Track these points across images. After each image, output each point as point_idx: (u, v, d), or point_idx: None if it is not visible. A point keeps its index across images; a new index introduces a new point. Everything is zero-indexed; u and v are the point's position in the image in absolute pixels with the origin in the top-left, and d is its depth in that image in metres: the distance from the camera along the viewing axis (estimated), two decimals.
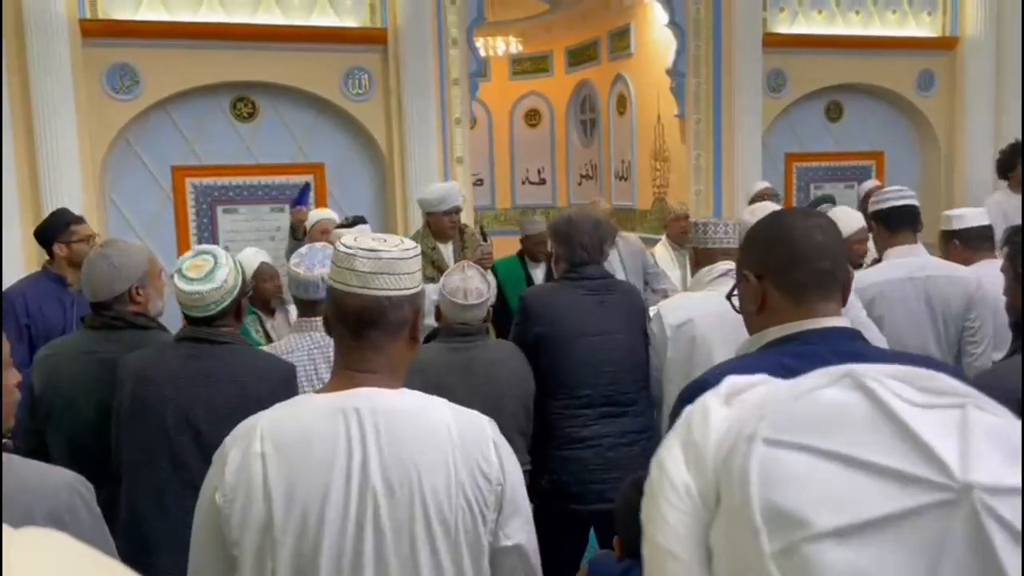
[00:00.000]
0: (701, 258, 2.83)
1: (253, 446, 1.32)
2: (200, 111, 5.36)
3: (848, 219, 3.76)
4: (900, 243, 3.11)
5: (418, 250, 1.46)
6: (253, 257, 3.77)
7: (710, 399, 0.59)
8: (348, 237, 1.44)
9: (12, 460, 1.46)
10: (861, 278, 3.04)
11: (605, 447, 2.80)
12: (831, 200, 5.58)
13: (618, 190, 8.22)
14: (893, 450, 0.46)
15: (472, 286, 2.69)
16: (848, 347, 1.37)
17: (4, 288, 3.52)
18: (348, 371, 1.40)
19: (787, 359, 1.33)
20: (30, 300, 3.40)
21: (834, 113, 7.05)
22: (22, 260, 4.50)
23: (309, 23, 5.40)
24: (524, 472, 2.68)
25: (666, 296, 4.84)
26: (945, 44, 6.90)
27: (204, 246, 2.35)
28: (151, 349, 2.32)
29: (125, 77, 5.07)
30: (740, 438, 0.52)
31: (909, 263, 3.05)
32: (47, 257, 3.60)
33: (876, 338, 2.71)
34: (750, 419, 0.53)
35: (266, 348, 2.69)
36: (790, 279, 1.40)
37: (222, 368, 2.22)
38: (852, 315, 2.83)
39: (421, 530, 1.31)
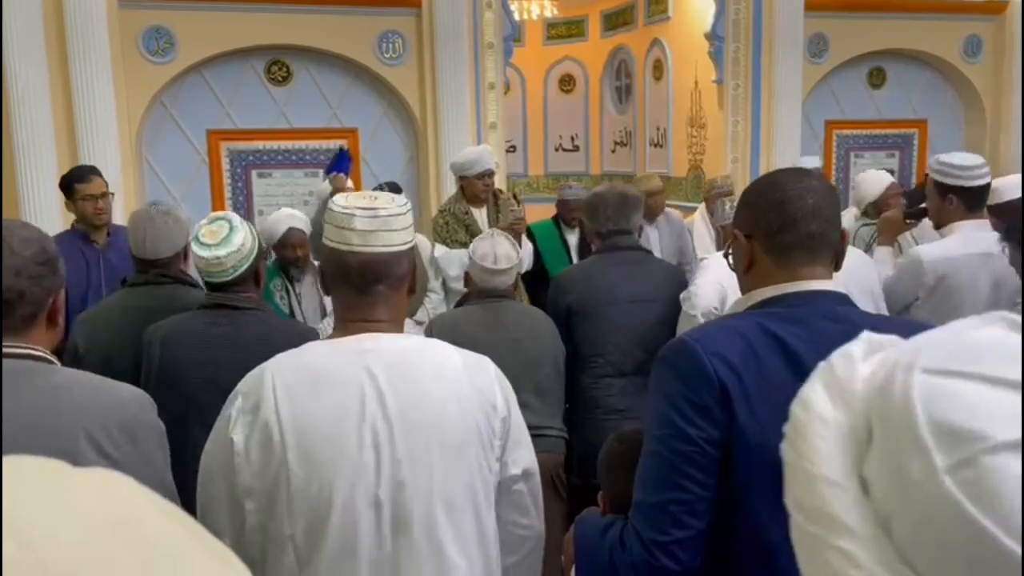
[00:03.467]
0: (726, 234, 2.89)
1: (263, 390, 1.37)
2: (235, 74, 5.36)
3: (877, 179, 3.67)
4: (974, 218, 2.93)
5: (409, 206, 1.51)
6: (284, 220, 3.64)
7: (852, 346, 0.58)
8: (339, 196, 1.48)
9: (80, 375, 1.50)
10: (932, 251, 2.91)
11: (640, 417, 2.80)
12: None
13: (653, 157, 8.12)
14: None
15: (501, 251, 2.73)
16: (834, 311, 1.34)
17: None
18: (355, 323, 1.46)
19: (769, 322, 1.32)
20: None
21: (876, 80, 6.88)
22: (59, 220, 4.55)
23: None
24: (560, 439, 2.71)
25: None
26: (993, 8, 6.68)
27: (218, 212, 2.39)
28: (176, 317, 2.34)
29: (161, 40, 5.08)
30: (897, 369, 0.51)
31: (985, 238, 2.85)
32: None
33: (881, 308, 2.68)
34: (905, 354, 0.52)
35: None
36: (778, 242, 1.38)
37: (246, 333, 2.24)
38: (865, 283, 2.78)
39: (436, 456, 1.37)
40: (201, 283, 2.52)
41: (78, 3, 4.71)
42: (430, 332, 2.67)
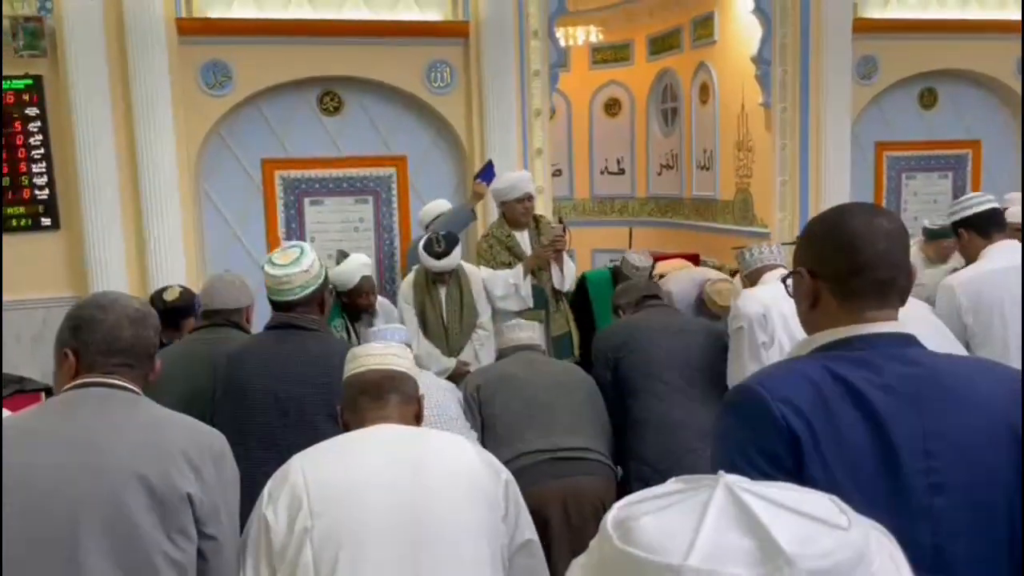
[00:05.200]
0: (755, 279, 3.09)
1: (292, 470, 1.59)
2: (289, 105, 5.51)
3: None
4: (994, 242, 3.11)
5: (411, 358, 1.87)
6: (358, 269, 3.85)
7: (573, 566, 0.74)
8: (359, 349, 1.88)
9: (173, 412, 1.76)
10: (958, 275, 3.09)
11: (693, 432, 2.86)
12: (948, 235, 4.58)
13: (699, 180, 8.11)
14: None
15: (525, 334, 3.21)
16: (903, 353, 1.31)
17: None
18: (371, 422, 1.70)
19: (837, 366, 1.28)
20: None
21: (928, 100, 6.79)
22: (122, 253, 4.74)
23: (393, 17, 5.49)
24: (603, 464, 2.76)
25: None
26: None
27: (292, 241, 2.55)
28: (244, 338, 2.47)
29: (218, 73, 5.25)
30: None
31: (1010, 256, 2.99)
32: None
33: (948, 339, 2.69)
34: None
35: None
36: (846, 286, 1.34)
37: (308, 351, 2.33)
38: (919, 314, 2.79)
39: (451, 537, 1.51)
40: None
41: (140, 39, 4.90)
42: (467, 380, 2.97)
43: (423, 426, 1.80)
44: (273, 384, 2.31)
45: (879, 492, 1.22)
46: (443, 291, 4.14)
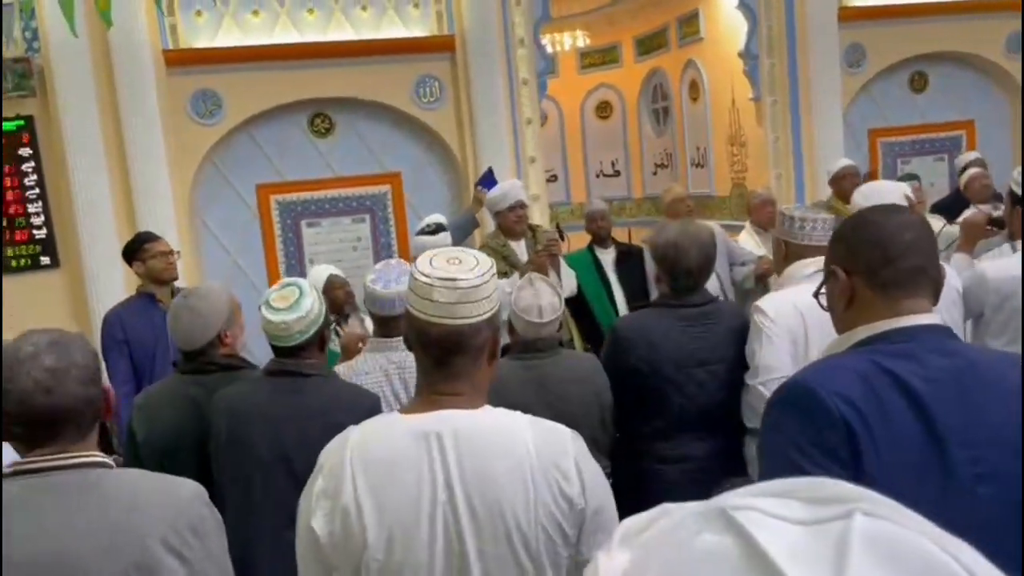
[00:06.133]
0: (792, 253, 2.66)
1: (343, 472, 1.37)
2: (280, 130, 5.53)
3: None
4: None
5: (493, 270, 1.46)
6: (323, 271, 4.11)
7: (600, 556, 0.60)
8: (424, 261, 1.44)
9: (131, 473, 1.56)
10: (997, 268, 2.78)
11: (692, 466, 2.68)
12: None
13: (695, 177, 8.10)
14: None
15: (546, 302, 2.62)
16: (942, 345, 1.34)
17: (106, 311, 3.86)
18: (433, 395, 1.44)
19: (883, 359, 1.31)
20: (124, 319, 3.74)
21: (918, 84, 6.79)
22: (123, 287, 4.73)
23: (379, 36, 5.50)
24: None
25: (744, 264, 4.82)
26: None
27: (290, 279, 2.43)
28: (242, 383, 2.39)
29: (208, 102, 5.27)
30: None
31: None
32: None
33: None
34: (637, 566, 0.54)
35: (340, 367, 2.73)
36: (879, 277, 1.38)
37: (310, 401, 2.27)
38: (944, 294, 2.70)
39: (504, 549, 1.35)
40: (249, 363, 2.58)
41: (128, 73, 4.92)
42: None
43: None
44: (275, 438, 2.26)
45: (928, 482, 1.25)
46: None
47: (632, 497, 2.66)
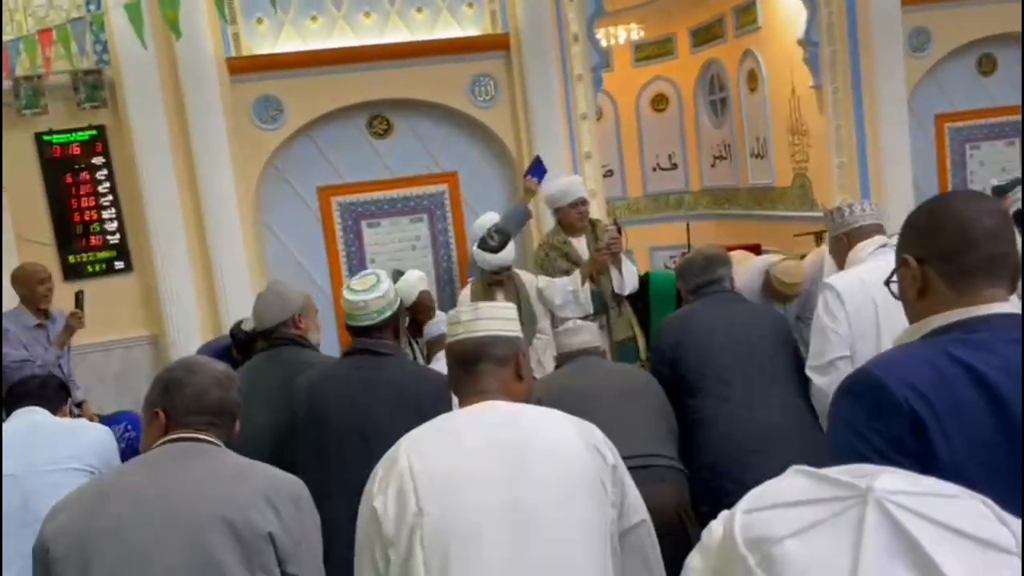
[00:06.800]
0: (853, 239, 2.80)
1: (397, 452, 1.55)
2: (340, 132, 5.63)
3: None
4: None
5: (513, 310, 1.77)
6: (416, 284, 4.08)
7: (723, 515, 0.73)
8: (456, 309, 1.78)
9: (245, 461, 1.85)
10: None
11: (757, 431, 2.76)
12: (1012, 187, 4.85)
13: (754, 169, 7.99)
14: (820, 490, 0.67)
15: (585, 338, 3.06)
16: (1016, 334, 1.29)
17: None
18: (469, 397, 1.65)
19: (955, 349, 1.28)
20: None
21: (987, 67, 6.57)
22: (192, 291, 4.89)
23: (433, 36, 5.56)
24: (672, 469, 2.70)
25: None
26: None
27: (369, 269, 2.64)
28: (322, 366, 2.55)
29: (270, 107, 5.40)
30: (725, 517, 0.72)
31: None
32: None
33: None
34: (735, 506, 0.72)
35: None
36: (955, 265, 1.34)
37: (385, 378, 2.40)
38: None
39: (559, 505, 1.46)
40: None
41: (194, 81, 5.07)
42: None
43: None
44: (353, 413, 2.39)
45: (1001, 473, 1.22)
46: (500, 298, 4.16)
47: (718, 479, 2.83)
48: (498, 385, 1.63)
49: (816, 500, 0.64)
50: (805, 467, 0.70)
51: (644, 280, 4.88)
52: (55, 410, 2.68)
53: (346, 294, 2.51)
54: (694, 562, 0.72)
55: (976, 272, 1.33)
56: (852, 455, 1.26)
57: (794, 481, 0.69)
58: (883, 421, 1.25)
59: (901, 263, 1.43)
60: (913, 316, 1.42)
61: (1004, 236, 1.36)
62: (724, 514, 0.73)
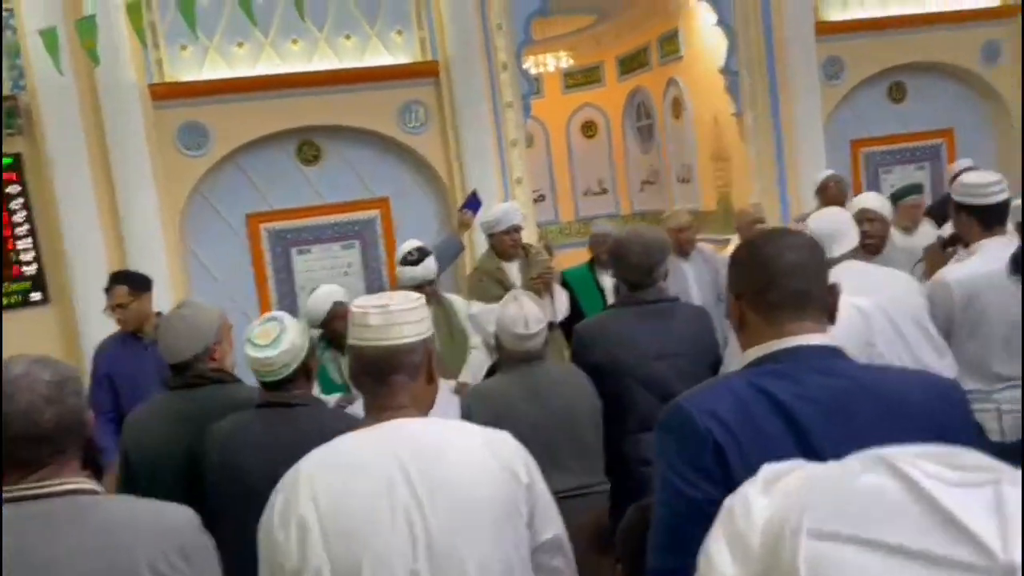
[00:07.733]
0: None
1: (300, 482, 1.49)
2: (268, 159, 5.56)
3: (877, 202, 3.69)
4: (993, 235, 2.87)
5: (422, 301, 1.62)
6: (326, 299, 3.84)
7: (749, 490, 0.63)
8: (360, 299, 1.63)
9: (130, 503, 1.56)
10: (955, 271, 2.86)
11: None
12: (919, 190, 5.10)
13: (681, 193, 8.18)
14: (935, 535, 0.49)
15: (531, 314, 2.71)
16: (826, 365, 1.35)
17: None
18: (379, 412, 1.56)
19: (759, 378, 1.34)
20: (110, 353, 3.85)
21: (897, 94, 6.88)
22: (112, 323, 4.73)
23: (363, 64, 5.56)
24: (603, 493, 2.70)
25: None
26: (1008, 12, 6.67)
27: (272, 313, 2.46)
28: (234, 417, 2.40)
29: (195, 134, 5.31)
30: (786, 530, 0.56)
31: (1004, 253, 2.79)
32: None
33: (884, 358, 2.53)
34: (793, 510, 0.57)
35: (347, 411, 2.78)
36: (762, 300, 1.41)
37: (300, 430, 2.29)
38: (912, 310, 2.74)
39: (468, 531, 1.44)
40: (237, 379, 2.61)
41: (115, 108, 4.96)
42: (468, 409, 2.69)
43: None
44: (267, 469, 2.29)
45: None
46: None
47: (625, 498, 2.75)
48: (410, 399, 1.57)
49: (925, 556, 0.49)
50: (899, 457, 0.55)
51: (562, 281, 4.88)
52: None
53: (249, 350, 2.31)
54: (724, 567, 0.62)
55: (782, 306, 1.39)
56: (667, 486, 1.31)
57: (884, 487, 0.54)
58: (690, 451, 1.29)
59: (730, 299, 1.50)
60: (741, 347, 1.49)
61: (807, 271, 1.41)
62: (760, 505, 0.62)
